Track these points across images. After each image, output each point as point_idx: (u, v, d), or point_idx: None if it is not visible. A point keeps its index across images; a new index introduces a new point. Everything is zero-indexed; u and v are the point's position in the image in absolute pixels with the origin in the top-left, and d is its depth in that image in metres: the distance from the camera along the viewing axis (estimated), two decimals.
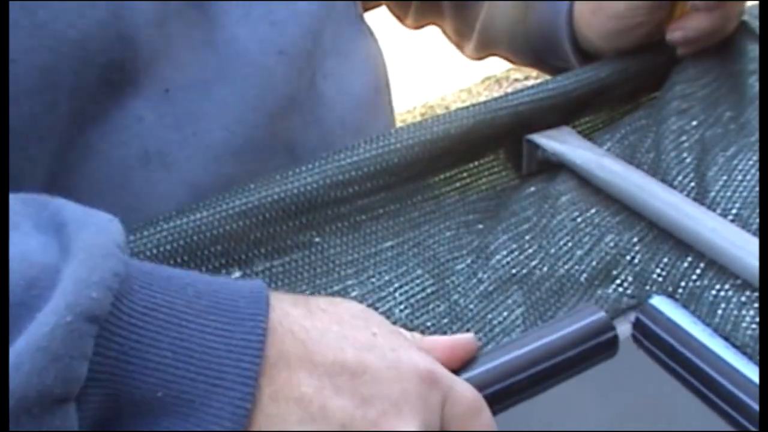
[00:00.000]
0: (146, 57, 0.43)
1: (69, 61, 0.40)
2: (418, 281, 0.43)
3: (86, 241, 0.28)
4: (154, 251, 0.41)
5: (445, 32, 0.73)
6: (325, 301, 0.33)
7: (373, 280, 0.43)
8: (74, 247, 0.27)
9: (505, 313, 0.42)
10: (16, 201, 0.30)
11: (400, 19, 0.74)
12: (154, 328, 0.28)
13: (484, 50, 0.70)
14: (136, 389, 0.27)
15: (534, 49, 0.64)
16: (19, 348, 0.25)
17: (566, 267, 0.43)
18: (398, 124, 0.58)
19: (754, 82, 0.53)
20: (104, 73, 0.42)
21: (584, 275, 0.43)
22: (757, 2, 0.59)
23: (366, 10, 0.68)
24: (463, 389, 0.33)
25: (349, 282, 0.43)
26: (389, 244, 0.45)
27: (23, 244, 0.28)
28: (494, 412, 0.35)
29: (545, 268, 0.44)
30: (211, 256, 0.42)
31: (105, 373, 0.27)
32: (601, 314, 0.38)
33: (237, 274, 0.43)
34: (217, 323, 0.29)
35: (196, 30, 0.45)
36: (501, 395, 0.36)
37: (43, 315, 0.26)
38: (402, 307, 0.42)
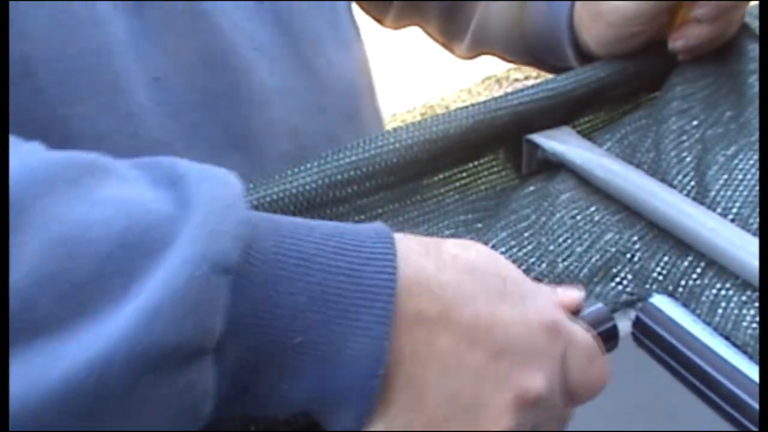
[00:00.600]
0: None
1: None
2: None
3: (209, 193, 0.27)
4: None
5: (428, 32, 0.73)
6: (455, 245, 0.33)
7: None
8: (196, 199, 0.27)
9: None
10: (124, 165, 0.29)
11: (379, 20, 0.73)
12: (288, 274, 0.28)
13: (477, 49, 0.69)
14: (275, 338, 0.27)
15: (531, 49, 0.64)
16: (152, 296, 0.24)
17: (565, 264, 0.43)
18: (398, 124, 0.58)
19: (754, 82, 0.53)
20: None
21: (583, 272, 0.43)
22: (757, 2, 0.59)
23: None
24: (581, 337, 0.34)
25: None
26: None
27: (138, 195, 0.27)
28: None
29: (544, 265, 0.44)
30: None
31: (242, 324, 0.26)
32: (600, 305, 0.39)
33: None
34: (348, 265, 0.29)
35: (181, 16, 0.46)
36: None
37: (175, 263, 0.25)
38: None
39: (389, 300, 0.28)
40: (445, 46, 0.73)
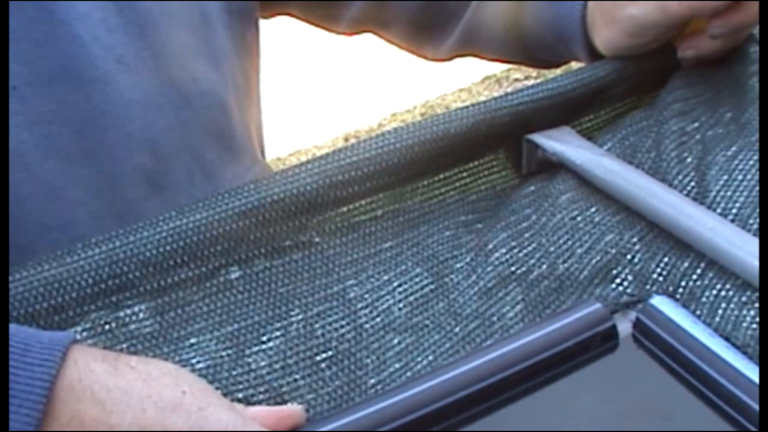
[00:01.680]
0: None
1: None
2: (416, 280, 0.43)
3: None
4: (154, 252, 0.41)
5: (388, 36, 0.69)
6: (137, 360, 0.34)
7: (373, 279, 0.43)
8: None
9: (504, 310, 0.42)
10: None
11: (327, 26, 0.69)
12: None
13: (462, 51, 0.67)
14: None
15: (527, 48, 0.63)
16: None
17: (566, 265, 0.43)
18: (398, 123, 0.58)
19: (754, 83, 0.53)
20: None
21: (584, 273, 0.43)
22: (757, 2, 0.59)
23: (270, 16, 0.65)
24: None
25: (349, 282, 0.43)
26: (388, 244, 0.45)
27: None
28: (493, 407, 0.35)
29: (544, 266, 0.44)
30: (211, 256, 0.42)
31: None
32: (598, 305, 0.39)
33: (237, 274, 0.43)
34: (11, 370, 0.30)
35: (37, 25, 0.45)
36: (500, 387, 0.36)
37: None
38: (401, 305, 0.42)
39: (35, 406, 0.30)
40: (412, 49, 0.70)
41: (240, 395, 0.38)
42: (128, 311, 0.41)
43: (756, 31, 0.56)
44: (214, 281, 0.42)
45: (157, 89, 0.49)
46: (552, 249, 0.44)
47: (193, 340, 0.40)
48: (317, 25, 0.68)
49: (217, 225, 0.42)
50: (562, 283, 0.43)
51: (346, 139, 2.58)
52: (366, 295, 0.42)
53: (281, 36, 2.61)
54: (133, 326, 0.40)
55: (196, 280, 0.42)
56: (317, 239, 0.45)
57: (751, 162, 0.46)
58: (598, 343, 0.38)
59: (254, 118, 0.60)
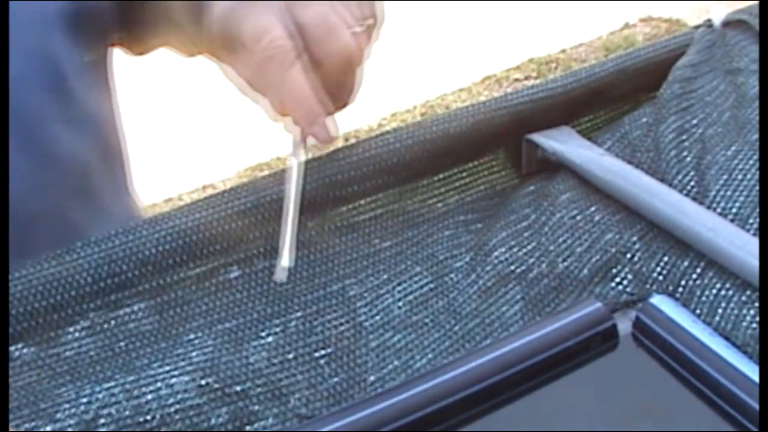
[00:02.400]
0: None
1: None
2: (416, 278, 0.43)
3: None
4: (153, 251, 0.41)
5: (176, 47, 0.62)
6: None
7: (372, 278, 0.43)
8: None
9: (503, 309, 0.42)
10: None
11: (129, 50, 0.63)
12: None
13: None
14: None
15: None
16: None
17: (565, 264, 0.43)
18: (398, 123, 0.58)
19: (754, 82, 0.53)
20: None
21: (583, 272, 0.43)
22: (757, 2, 0.59)
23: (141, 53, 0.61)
24: None
25: (348, 281, 0.43)
26: (388, 243, 0.45)
27: None
28: (494, 407, 0.35)
29: (544, 265, 0.44)
30: (210, 256, 0.42)
31: None
32: (599, 305, 0.39)
33: (236, 273, 0.43)
34: None
35: None
36: (500, 388, 0.36)
37: None
38: (400, 303, 0.42)
39: None
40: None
41: (238, 388, 0.38)
42: (127, 310, 0.41)
43: (756, 29, 0.56)
44: (213, 280, 0.42)
45: (18, 153, 0.47)
46: (552, 248, 0.44)
47: (191, 336, 0.40)
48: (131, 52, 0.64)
49: (217, 224, 0.42)
50: (562, 282, 0.43)
51: (346, 139, 2.58)
52: (365, 294, 0.43)
53: None
54: (132, 325, 0.40)
55: (195, 279, 0.42)
56: (316, 239, 0.45)
57: (750, 162, 0.46)
58: (599, 342, 0.38)
59: (121, 165, 0.58)
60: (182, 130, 2.60)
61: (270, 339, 0.40)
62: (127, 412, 0.37)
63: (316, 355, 0.40)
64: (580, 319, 0.38)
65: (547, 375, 0.38)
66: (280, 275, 0.42)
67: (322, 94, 0.44)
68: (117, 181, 0.58)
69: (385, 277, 0.44)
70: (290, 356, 0.39)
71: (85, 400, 0.38)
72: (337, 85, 0.45)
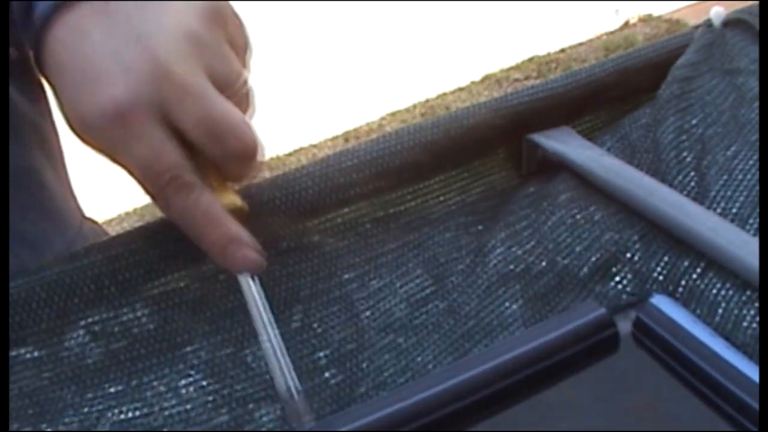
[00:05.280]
0: None
1: None
2: (417, 281, 0.44)
3: None
4: (155, 250, 0.41)
5: None
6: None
7: (374, 282, 0.43)
8: None
9: (503, 308, 0.42)
10: None
11: None
12: None
13: None
14: None
15: None
16: None
17: (565, 262, 0.43)
18: (398, 123, 0.58)
19: (754, 82, 0.53)
20: None
21: (583, 271, 0.43)
22: (757, 2, 0.59)
23: None
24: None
25: (351, 286, 0.43)
26: (390, 246, 0.46)
27: None
28: (494, 412, 0.35)
29: (543, 264, 0.44)
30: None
31: None
32: (602, 311, 0.39)
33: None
34: None
35: None
36: (500, 396, 0.36)
37: None
38: (402, 306, 0.42)
39: None
40: None
41: (238, 394, 0.38)
42: (130, 315, 0.41)
43: (756, 29, 0.56)
44: (215, 284, 0.42)
45: None
46: (551, 246, 0.44)
47: (194, 343, 0.40)
48: None
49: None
50: (562, 280, 0.43)
51: (346, 139, 2.58)
52: (369, 298, 0.43)
53: (281, 35, 2.61)
54: (135, 330, 0.41)
55: (197, 282, 0.42)
56: (319, 242, 0.45)
57: (750, 162, 0.46)
58: (599, 348, 0.38)
59: (64, 171, 0.57)
60: None
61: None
62: (131, 415, 0.37)
63: (316, 356, 0.40)
64: (581, 326, 0.38)
65: (548, 383, 0.38)
66: (296, 419, 0.36)
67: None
68: (64, 184, 0.57)
69: (387, 280, 0.44)
70: (291, 359, 0.40)
71: (87, 403, 0.38)
72: (239, 176, 0.40)
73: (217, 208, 0.37)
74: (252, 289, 0.38)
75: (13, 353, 0.39)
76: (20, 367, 0.39)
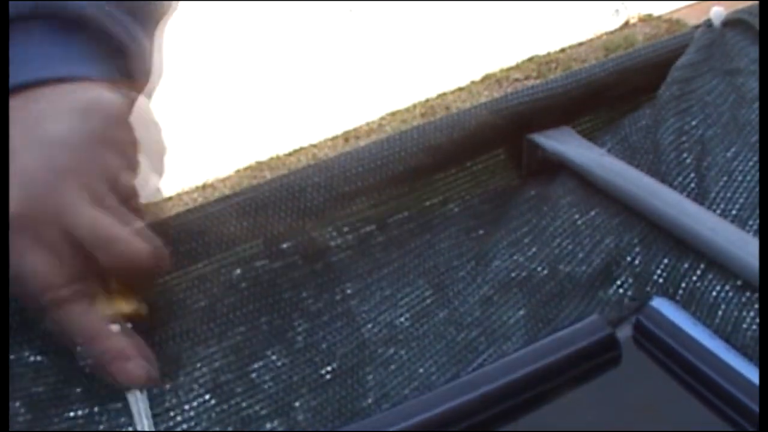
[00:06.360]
0: None
1: None
2: (418, 291, 0.43)
3: None
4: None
5: None
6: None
7: (377, 293, 0.43)
8: None
9: (505, 317, 0.42)
10: None
11: None
12: None
13: None
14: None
15: None
16: None
17: (567, 269, 0.43)
18: (398, 122, 0.58)
19: (754, 83, 0.53)
20: None
21: (585, 277, 0.43)
22: (757, 2, 0.59)
23: None
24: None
25: (353, 302, 0.43)
26: (392, 256, 0.45)
27: None
28: (496, 426, 0.35)
29: (546, 271, 0.43)
30: (215, 253, 0.42)
31: None
32: (607, 331, 0.39)
33: (244, 284, 0.43)
34: None
35: None
36: (500, 416, 0.36)
37: None
38: (402, 319, 0.42)
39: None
40: None
41: (244, 413, 0.38)
42: None
43: (756, 29, 0.56)
44: (218, 287, 0.42)
45: None
46: (553, 253, 0.44)
47: (199, 351, 0.40)
48: None
49: (219, 226, 0.42)
50: (564, 287, 0.42)
51: (346, 138, 2.58)
52: (371, 310, 0.42)
53: (280, 35, 2.61)
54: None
55: (198, 284, 0.42)
56: (322, 251, 0.45)
57: (750, 163, 0.46)
58: (602, 366, 0.39)
59: None
60: (181, 130, 2.60)
61: (274, 357, 0.40)
62: (138, 427, 0.37)
63: (321, 372, 0.40)
64: (585, 348, 0.38)
65: (547, 402, 0.38)
66: None
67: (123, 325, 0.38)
68: None
69: (388, 292, 0.43)
70: (295, 378, 0.39)
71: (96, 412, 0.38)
72: (138, 283, 0.39)
73: (100, 323, 0.37)
74: (138, 404, 0.37)
75: (18, 354, 0.39)
76: (24, 369, 0.39)
